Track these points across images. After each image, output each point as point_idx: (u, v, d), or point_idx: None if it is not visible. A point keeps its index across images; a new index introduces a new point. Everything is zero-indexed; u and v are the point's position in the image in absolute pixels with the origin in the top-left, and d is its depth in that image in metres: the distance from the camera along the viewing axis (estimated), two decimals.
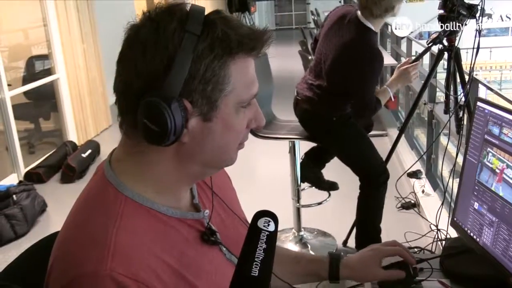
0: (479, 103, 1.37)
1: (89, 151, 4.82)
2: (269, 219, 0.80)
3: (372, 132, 3.14)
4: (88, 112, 5.67)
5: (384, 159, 2.84)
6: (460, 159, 2.98)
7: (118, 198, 0.85)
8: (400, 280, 1.25)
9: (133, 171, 0.88)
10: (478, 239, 1.32)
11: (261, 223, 0.80)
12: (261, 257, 0.77)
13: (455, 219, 1.45)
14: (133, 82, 0.82)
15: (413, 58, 2.87)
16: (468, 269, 1.34)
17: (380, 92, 2.55)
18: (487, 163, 1.30)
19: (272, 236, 0.79)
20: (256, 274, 0.75)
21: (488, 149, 1.30)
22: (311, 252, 3.02)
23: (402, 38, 5.45)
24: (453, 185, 2.68)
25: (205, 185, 1.05)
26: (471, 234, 1.36)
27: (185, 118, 0.82)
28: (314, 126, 2.72)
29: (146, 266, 0.80)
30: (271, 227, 0.80)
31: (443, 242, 2.76)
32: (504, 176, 1.23)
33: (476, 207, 1.34)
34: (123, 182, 0.87)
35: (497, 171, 1.26)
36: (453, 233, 2.84)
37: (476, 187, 1.34)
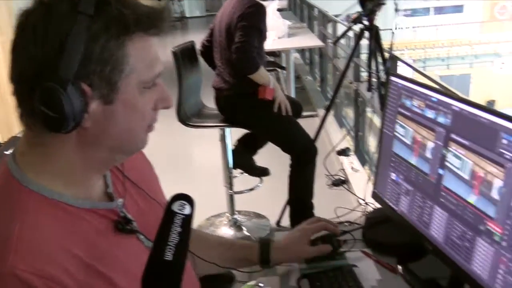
0: (392, 78, 1.42)
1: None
2: (184, 202, 0.79)
3: (304, 113, 3.20)
4: (11, 108, 5.39)
5: (314, 137, 2.91)
6: None
7: (22, 193, 0.82)
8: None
9: (37, 163, 0.85)
10: (396, 208, 1.38)
11: (176, 206, 0.78)
12: (175, 241, 0.75)
13: (375, 190, 1.51)
14: (27, 69, 0.79)
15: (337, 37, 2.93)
16: (388, 238, 1.40)
17: (266, 73, 2.65)
18: (401, 134, 1.35)
19: (187, 220, 0.78)
20: (170, 258, 0.74)
21: (402, 121, 1.35)
22: (246, 233, 3.05)
23: (329, 21, 5.57)
24: (379, 160, 2.77)
25: (121, 173, 1.02)
26: (390, 204, 1.41)
27: (84, 102, 0.79)
28: (236, 111, 2.77)
29: (53, 261, 0.77)
30: (187, 210, 0.78)
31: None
32: (417, 146, 1.28)
33: (394, 178, 1.40)
34: (28, 175, 0.83)
35: (411, 142, 1.31)
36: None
37: (393, 159, 1.40)
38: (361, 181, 3.51)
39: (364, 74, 4.08)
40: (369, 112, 3.68)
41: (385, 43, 2.79)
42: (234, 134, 3.10)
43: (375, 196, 1.51)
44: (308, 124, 2.96)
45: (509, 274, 0.99)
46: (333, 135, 4.22)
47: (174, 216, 0.77)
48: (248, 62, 2.58)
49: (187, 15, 18.20)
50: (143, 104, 0.87)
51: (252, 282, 1.22)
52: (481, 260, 1.06)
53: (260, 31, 2.64)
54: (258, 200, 3.38)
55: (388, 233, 1.41)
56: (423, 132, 1.26)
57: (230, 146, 2.98)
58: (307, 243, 1.31)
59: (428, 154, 1.24)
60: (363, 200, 2.82)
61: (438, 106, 1.20)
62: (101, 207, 0.91)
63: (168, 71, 2.90)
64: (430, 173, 1.23)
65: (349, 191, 3.42)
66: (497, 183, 1.01)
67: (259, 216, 3.24)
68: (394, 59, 2.86)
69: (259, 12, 2.65)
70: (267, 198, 3.46)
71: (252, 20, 2.61)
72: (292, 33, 4.87)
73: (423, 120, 1.26)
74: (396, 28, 2.43)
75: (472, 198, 1.08)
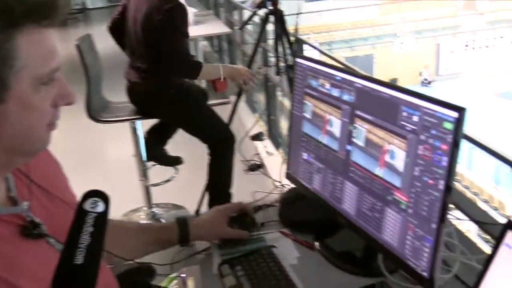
0: (297, 59, 1.44)
1: None
2: (97, 199, 0.74)
3: (216, 101, 3.18)
4: None
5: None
6: None
7: None
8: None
9: None
10: (309, 187, 1.41)
11: (87, 204, 0.73)
12: (86, 242, 0.71)
13: (289, 171, 1.53)
14: None
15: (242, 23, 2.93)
16: (304, 216, 1.43)
17: (211, 66, 2.61)
18: (309, 114, 1.38)
19: (101, 218, 0.73)
20: (81, 262, 0.69)
21: (309, 101, 1.38)
22: None
23: (235, 8, 5.57)
24: (290, 142, 2.84)
25: (24, 176, 0.96)
26: (303, 183, 1.44)
27: None
28: (153, 105, 2.70)
29: None
30: (100, 208, 0.74)
31: None
32: (325, 124, 1.32)
33: (305, 157, 1.43)
34: None
35: (319, 121, 1.34)
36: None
37: (303, 139, 1.43)
38: (276, 164, 3.57)
39: (273, 59, 4.15)
40: (279, 96, 3.74)
41: (291, 28, 2.84)
42: (146, 126, 3.03)
43: (289, 176, 1.54)
44: (221, 112, 2.95)
45: (416, 239, 1.04)
46: (246, 121, 4.25)
47: (85, 216, 0.73)
48: (190, 69, 2.54)
49: (89, 6, 17.49)
50: (40, 101, 0.81)
51: (174, 274, 1.21)
52: (391, 229, 1.11)
53: (186, 33, 2.56)
54: (175, 191, 3.34)
55: (303, 211, 1.44)
56: (330, 110, 1.29)
57: (142, 138, 2.91)
58: (225, 222, 1.34)
59: (336, 132, 1.27)
60: (279, 182, 2.87)
61: (342, 85, 1.24)
62: (3, 212, 0.84)
63: (76, 65, 2.79)
64: (339, 149, 1.27)
65: (265, 175, 3.49)
66: (401, 154, 1.06)
67: (177, 207, 3.21)
68: (300, 42, 2.92)
69: (181, 12, 2.53)
70: (185, 188, 3.43)
71: (176, 23, 2.49)
72: (199, 20, 4.82)
73: (329, 99, 1.29)
74: (299, 13, 2.47)
75: (379, 171, 1.13)
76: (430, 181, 0.99)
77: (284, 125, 3.78)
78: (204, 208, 2.97)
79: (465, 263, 1.19)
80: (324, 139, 1.33)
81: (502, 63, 19.41)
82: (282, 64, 2.87)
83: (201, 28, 4.69)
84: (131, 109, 2.78)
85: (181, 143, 3.16)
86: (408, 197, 1.05)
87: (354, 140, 1.21)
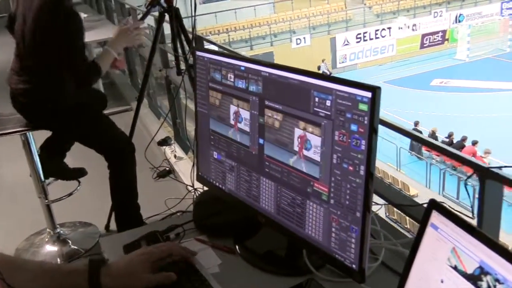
0: (198, 53, 1.34)
1: None
2: None
3: (117, 109, 3.00)
4: None
5: (129, 133, 2.74)
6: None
7: None
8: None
9: None
10: (223, 187, 1.32)
11: None
12: None
13: (200, 173, 1.43)
14: None
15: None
16: (220, 219, 1.34)
17: (102, 55, 2.37)
18: (215, 110, 1.29)
19: None
20: None
21: (214, 95, 1.28)
22: (73, 247, 2.78)
23: (128, 11, 5.35)
24: (196, 144, 2.72)
25: None
26: (217, 184, 1.35)
27: None
28: (44, 117, 2.44)
29: None
30: None
31: None
32: (234, 119, 1.23)
33: (216, 156, 1.33)
34: None
35: (226, 116, 1.25)
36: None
37: (212, 137, 1.33)
38: (187, 168, 3.46)
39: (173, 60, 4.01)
40: (183, 97, 3.61)
41: (188, 31, 2.71)
42: (39, 137, 2.75)
43: (200, 179, 1.44)
44: (124, 119, 2.78)
45: (341, 231, 0.98)
46: (151, 127, 4.08)
47: None
48: (92, 73, 2.30)
49: None
50: None
51: None
52: (314, 223, 1.05)
53: (82, 38, 2.32)
54: (81, 207, 3.11)
55: (219, 214, 1.34)
56: (237, 104, 1.21)
57: (36, 153, 2.64)
58: (149, 269, 1.10)
59: (246, 126, 1.19)
60: (192, 186, 2.75)
61: (247, 75, 1.16)
62: None
63: None
64: (251, 144, 1.19)
65: (177, 180, 3.35)
66: (316, 142, 1.00)
67: (85, 224, 2.98)
68: (201, 39, 2.82)
69: (75, 16, 2.26)
70: (91, 202, 3.20)
71: (72, 33, 2.23)
72: (91, 26, 4.56)
73: (235, 91, 1.20)
74: (194, 15, 2.36)
75: (295, 162, 1.06)
76: (350, 168, 0.93)
77: (191, 126, 3.65)
78: (114, 224, 2.78)
79: (391, 248, 1.15)
80: (234, 135, 1.24)
81: (390, 52, 20.56)
82: (182, 63, 2.76)
83: (93, 33, 4.44)
84: (19, 119, 2.50)
85: (82, 152, 2.93)
86: (329, 187, 0.99)
87: (266, 133, 1.13)
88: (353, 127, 0.91)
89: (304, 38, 19.86)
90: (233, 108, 1.23)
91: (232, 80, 1.21)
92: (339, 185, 0.97)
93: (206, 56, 1.30)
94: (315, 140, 1.00)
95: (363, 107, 0.89)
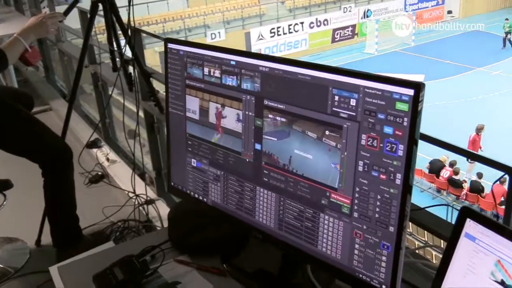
0: (170, 45, 1.16)
1: None
2: None
3: (35, 109, 2.68)
4: None
5: (61, 136, 2.46)
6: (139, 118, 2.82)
7: None
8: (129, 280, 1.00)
9: None
10: (205, 199, 1.16)
11: None
12: None
13: (172, 183, 1.25)
14: None
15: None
16: (203, 236, 1.17)
17: (9, 42, 2.07)
18: (194, 111, 1.12)
19: None
20: None
21: (193, 94, 1.12)
22: (0, 266, 2.46)
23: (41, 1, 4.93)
24: (135, 145, 2.50)
25: None
26: (196, 196, 1.18)
27: None
28: None
29: None
30: None
31: (145, 206, 2.61)
32: (219, 122, 1.07)
33: (195, 164, 1.16)
34: None
35: (209, 118, 1.09)
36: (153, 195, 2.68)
37: (189, 142, 1.16)
38: (123, 172, 3.20)
39: (102, 55, 3.70)
40: (115, 95, 3.34)
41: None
42: None
43: (172, 190, 1.26)
44: (43, 121, 2.47)
45: (368, 248, 0.86)
46: (77, 129, 3.75)
47: None
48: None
49: None
50: None
51: None
52: (330, 238, 0.92)
53: None
54: (7, 222, 2.77)
55: (202, 230, 1.18)
56: (224, 104, 1.05)
57: None
58: None
59: (237, 129, 1.04)
60: (133, 192, 2.53)
61: (239, 70, 1.00)
62: None
63: None
64: (244, 150, 1.03)
65: (112, 185, 3.09)
66: (334, 148, 0.87)
67: (11, 240, 2.65)
68: (139, 32, 2.58)
69: None
70: (19, 216, 2.87)
71: None
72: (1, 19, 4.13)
73: (223, 90, 1.04)
74: (132, 3, 2.15)
75: (308, 171, 0.92)
76: (382, 176, 0.81)
77: (121, 127, 3.39)
78: (47, 238, 2.49)
79: (408, 262, 1.05)
80: (220, 140, 1.08)
81: (303, 46, 20.99)
82: (118, 59, 2.52)
83: (3, 26, 4.02)
84: None
85: (5, 161, 2.60)
86: (352, 198, 0.86)
87: (266, 137, 0.98)
88: (387, 130, 0.79)
89: (219, 33, 19.70)
90: (218, 109, 1.07)
91: (218, 76, 1.05)
92: (365, 196, 0.84)
93: (181, 49, 1.12)
94: (332, 145, 0.87)
95: (402, 106, 0.77)
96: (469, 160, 7.26)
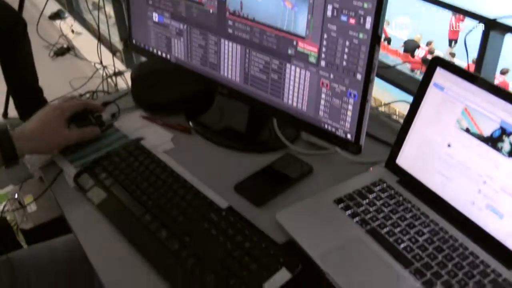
0: None
1: None
2: None
3: None
4: None
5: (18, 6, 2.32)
6: None
7: None
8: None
9: None
10: (168, 56, 1.10)
11: None
12: None
13: (134, 41, 1.19)
14: None
15: None
16: (167, 94, 1.13)
17: None
18: None
19: None
20: None
21: None
22: None
23: None
24: (99, 15, 2.36)
25: None
26: (159, 53, 1.13)
27: None
28: None
29: None
30: None
31: (113, 77, 2.55)
32: None
33: (156, 19, 1.09)
34: None
35: None
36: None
37: None
38: (89, 44, 3.07)
39: None
40: None
41: None
42: None
43: (134, 47, 1.19)
44: None
45: (334, 97, 0.84)
46: (37, 1, 3.54)
47: None
48: None
49: None
50: None
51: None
52: (296, 90, 0.89)
53: None
54: None
55: (164, 89, 1.14)
56: None
57: None
58: (62, 125, 0.96)
59: None
60: (100, 63, 2.45)
61: None
62: None
63: None
64: (208, 0, 0.97)
65: (79, 58, 2.99)
66: None
67: None
68: None
69: None
70: None
71: None
72: None
73: None
74: None
75: (274, 21, 0.87)
76: (351, 20, 0.77)
77: None
78: (12, 111, 2.44)
79: (373, 114, 1.04)
80: None
81: None
82: None
83: None
84: None
85: None
86: (319, 46, 0.82)
87: None
88: None
89: None
90: None
91: None
92: (333, 43, 0.80)
93: None
94: None
95: None
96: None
